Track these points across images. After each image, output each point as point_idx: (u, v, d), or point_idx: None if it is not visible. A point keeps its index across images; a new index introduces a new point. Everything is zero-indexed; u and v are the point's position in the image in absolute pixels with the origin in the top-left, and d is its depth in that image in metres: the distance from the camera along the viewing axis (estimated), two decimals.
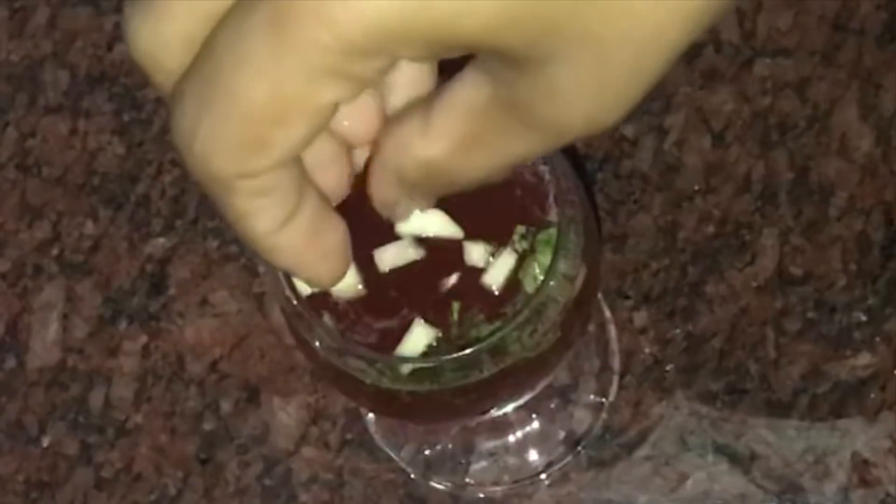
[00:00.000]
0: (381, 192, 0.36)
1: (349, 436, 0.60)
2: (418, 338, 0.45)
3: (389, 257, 0.45)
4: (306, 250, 0.34)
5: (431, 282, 0.45)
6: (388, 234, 0.45)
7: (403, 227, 0.45)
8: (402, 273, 0.45)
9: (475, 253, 0.45)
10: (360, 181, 0.37)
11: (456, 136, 0.33)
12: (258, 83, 0.30)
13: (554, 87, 0.31)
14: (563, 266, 0.44)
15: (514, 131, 0.33)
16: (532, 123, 0.32)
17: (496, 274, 0.45)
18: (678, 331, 0.59)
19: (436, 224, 0.45)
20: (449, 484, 0.59)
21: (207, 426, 0.60)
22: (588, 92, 0.31)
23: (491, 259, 0.45)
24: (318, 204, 0.34)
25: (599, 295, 0.60)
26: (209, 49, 0.31)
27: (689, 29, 0.30)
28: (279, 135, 0.31)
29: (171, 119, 0.32)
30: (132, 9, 0.32)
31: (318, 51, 0.29)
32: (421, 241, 0.45)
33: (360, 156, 0.37)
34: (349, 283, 0.45)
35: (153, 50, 0.31)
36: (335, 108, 0.31)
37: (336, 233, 0.36)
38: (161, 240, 0.63)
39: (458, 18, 0.29)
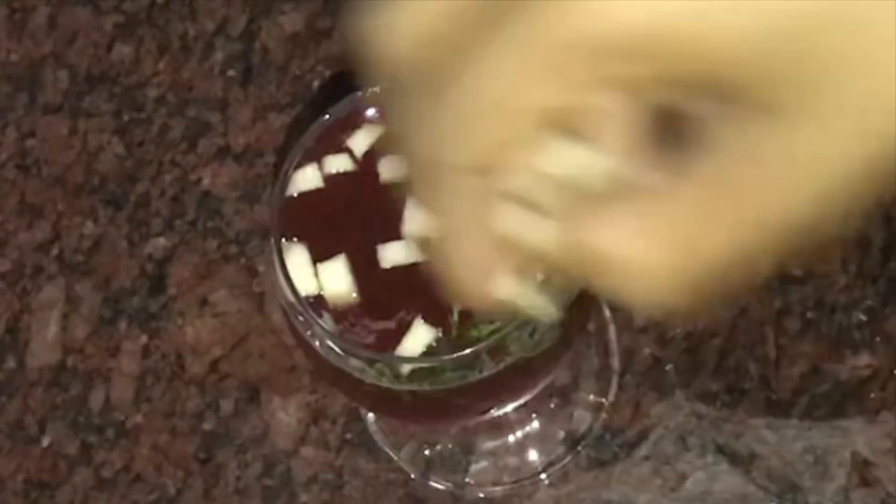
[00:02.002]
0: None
1: (349, 436, 0.60)
2: (418, 338, 0.45)
3: (393, 255, 0.45)
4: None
5: (432, 282, 0.45)
6: (393, 233, 0.45)
7: (409, 227, 0.45)
8: (404, 273, 0.45)
9: None
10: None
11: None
12: (499, 75, 0.30)
13: (797, 130, 0.31)
14: None
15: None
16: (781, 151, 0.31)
17: None
18: (678, 331, 0.59)
19: None
20: (449, 484, 0.59)
21: (207, 426, 0.60)
22: (833, 148, 0.31)
23: None
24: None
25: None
26: (455, 50, 0.31)
27: None
28: (516, 124, 0.31)
29: (404, 117, 0.32)
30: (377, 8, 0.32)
31: (557, 50, 0.29)
32: (423, 241, 0.45)
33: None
34: (343, 291, 0.45)
35: (395, 47, 0.32)
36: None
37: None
38: (161, 240, 0.63)
39: (713, 31, 0.29)
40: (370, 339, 0.45)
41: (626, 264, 0.31)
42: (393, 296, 0.45)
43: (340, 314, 0.45)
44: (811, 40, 0.29)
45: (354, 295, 0.45)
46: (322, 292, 0.45)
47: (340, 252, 0.46)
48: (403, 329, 0.45)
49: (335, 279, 0.45)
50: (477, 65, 0.30)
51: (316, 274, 0.45)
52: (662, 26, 0.29)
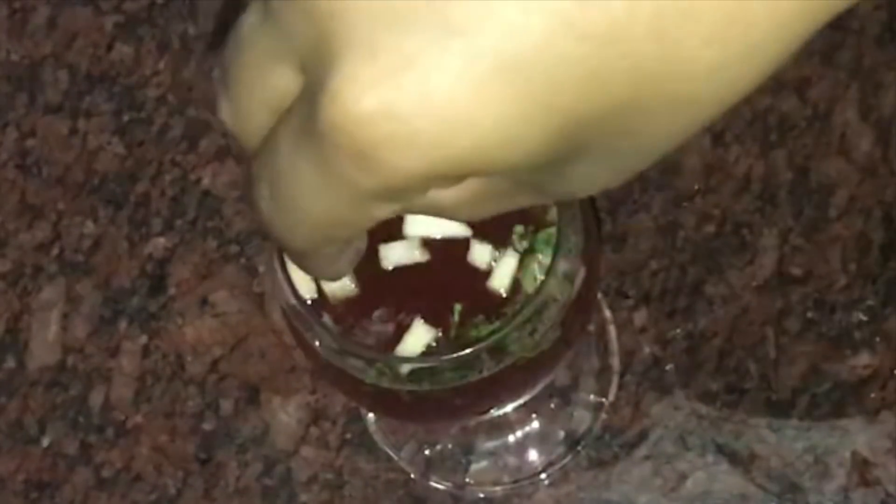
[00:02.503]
0: None
1: (349, 436, 0.60)
2: (418, 338, 0.45)
3: (395, 255, 0.45)
4: (344, 271, 0.37)
5: (433, 283, 0.45)
6: (394, 233, 0.45)
7: (411, 228, 0.45)
8: (404, 273, 0.45)
9: (481, 253, 0.45)
10: None
11: (467, 191, 0.33)
12: (313, 203, 0.31)
13: (569, 176, 0.32)
14: (562, 266, 0.44)
15: (523, 195, 0.34)
16: (543, 193, 0.34)
17: (501, 276, 0.45)
18: (678, 331, 0.59)
19: (444, 224, 0.45)
20: (449, 484, 0.59)
21: (207, 426, 0.60)
22: (604, 176, 0.32)
23: (494, 263, 0.45)
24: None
25: (599, 295, 0.60)
26: (274, 149, 0.32)
27: (701, 122, 0.31)
28: (339, 233, 0.33)
29: (250, 193, 0.34)
30: (218, 95, 0.33)
31: (360, 191, 0.30)
32: (425, 242, 0.45)
33: None
34: (343, 291, 0.45)
35: (242, 134, 0.33)
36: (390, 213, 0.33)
37: (361, 248, 0.38)
38: (161, 240, 0.63)
39: (500, 155, 0.30)
40: (370, 340, 0.45)
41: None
42: (393, 296, 0.45)
43: (340, 315, 0.45)
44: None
45: (354, 295, 0.45)
46: (322, 293, 0.45)
47: None
48: (403, 330, 0.45)
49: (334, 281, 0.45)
50: (288, 174, 0.32)
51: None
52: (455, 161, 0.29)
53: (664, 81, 0.29)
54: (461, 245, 0.45)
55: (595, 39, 0.28)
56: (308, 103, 0.30)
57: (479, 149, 0.29)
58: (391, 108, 0.28)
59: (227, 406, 0.60)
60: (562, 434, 0.60)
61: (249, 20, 0.32)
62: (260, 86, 0.32)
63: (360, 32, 0.28)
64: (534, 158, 0.30)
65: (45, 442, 0.61)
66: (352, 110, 0.29)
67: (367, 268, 0.45)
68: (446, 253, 0.45)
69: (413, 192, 0.31)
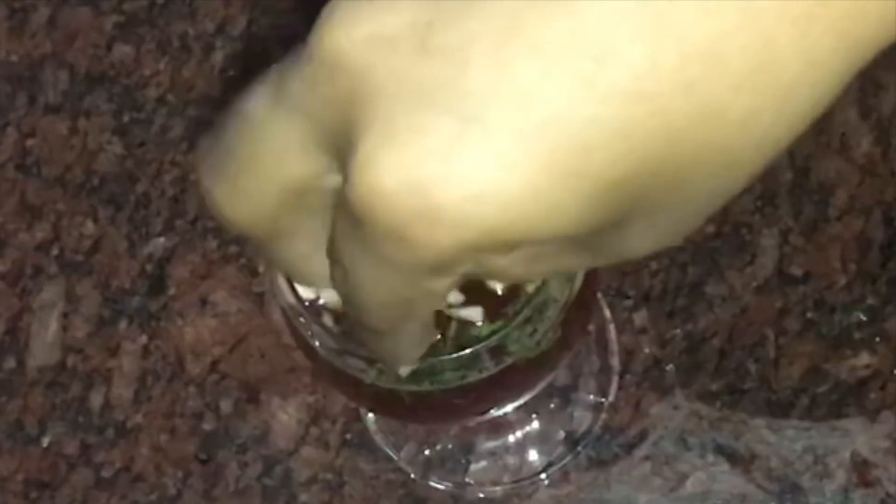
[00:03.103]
0: None
1: (349, 436, 0.60)
2: None
3: None
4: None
5: None
6: None
7: None
8: None
9: None
10: None
11: (518, 258, 0.33)
12: (374, 286, 0.32)
13: (620, 238, 0.32)
14: None
15: (578, 257, 0.33)
16: (600, 254, 0.33)
17: None
18: (678, 331, 0.59)
19: None
20: (449, 484, 0.59)
21: (207, 426, 0.60)
22: (656, 236, 0.32)
23: None
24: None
25: (599, 295, 0.60)
26: (333, 237, 0.32)
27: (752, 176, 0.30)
28: (409, 312, 0.34)
29: (334, 280, 0.34)
30: (209, 175, 0.33)
31: (406, 269, 0.30)
32: None
33: None
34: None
35: (241, 224, 0.33)
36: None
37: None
38: (161, 240, 0.63)
39: (534, 226, 0.29)
40: None
41: None
42: None
43: (339, 316, 0.45)
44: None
45: None
46: (320, 296, 0.45)
47: None
48: None
49: None
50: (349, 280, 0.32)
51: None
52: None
53: (697, 134, 0.28)
54: None
55: (619, 98, 0.27)
56: (343, 190, 0.30)
57: (510, 221, 0.29)
58: (414, 184, 0.28)
59: (227, 406, 0.60)
60: (562, 434, 0.60)
61: (258, 106, 0.31)
62: (275, 173, 0.31)
63: (381, 110, 0.28)
64: (575, 225, 0.29)
65: (45, 442, 0.61)
66: (375, 188, 0.28)
67: None
68: None
69: (461, 265, 0.30)
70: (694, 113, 0.28)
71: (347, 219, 0.30)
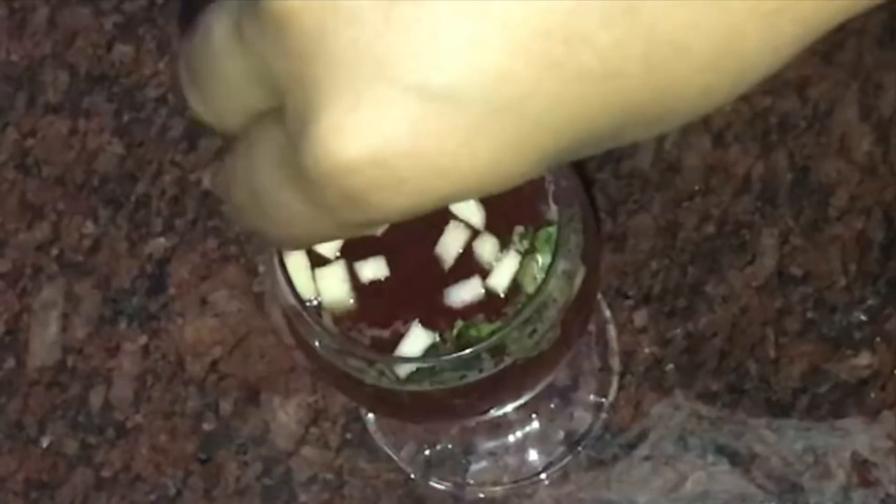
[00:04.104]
0: None
1: (349, 436, 0.60)
2: (417, 341, 0.45)
3: (368, 272, 0.46)
4: None
5: (431, 286, 0.45)
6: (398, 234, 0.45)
7: None
8: (402, 278, 0.45)
9: (487, 248, 0.45)
10: None
11: None
12: (296, 222, 0.32)
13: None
14: (562, 266, 0.44)
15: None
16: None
17: (501, 276, 0.45)
18: (678, 331, 0.59)
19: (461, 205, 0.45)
20: (449, 484, 0.59)
21: (207, 426, 0.60)
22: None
23: (494, 263, 0.45)
24: None
25: (599, 295, 0.60)
26: (252, 164, 0.32)
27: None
28: (321, 242, 0.35)
29: (224, 184, 0.34)
30: (184, 82, 0.33)
31: (347, 223, 0.30)
32: (423, 245, 0.45)
33: None
34: (341, 297, 0.45)
35: (214, 124, 0.33)
36: None
37: None
38: (161, 240, 0.63)
39: (487, 188, 0.30)
40: (368, 343, 0.45)
41: None
42: (391, 303, 0.45)
43: (339, 318, 0.45)
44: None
45: (352, 301, 0.45)
46: (319, 298, 0.45)
47: (339, 258, 0.46)
48: (400, 336, 0.45)
49: (333, 285, 0.45)
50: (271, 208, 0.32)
51: (314, 279, 0.45)
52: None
53: (655, 107, 0.29)
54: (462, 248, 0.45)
55: (585, 80, 0.28)
56: (288, 135, 0.30)
57: (466, 187, 0.29)
58: (377, 157, 0.28)
59: (227, 406, 0.60)
60: (562, 434, 0.60)
61: (220, 29, 0.31)
62: (233, 98, 0.32)
63: (342, 80, 0.28)
64: (522, 181, 0.30)
65: (45, 442, 0.61)
66: (338, 159, 0.28)
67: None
68: (444, 255, 0.45)
69: (401, 219, 0.31)
70: (655, 90, 0.29)
71: (286, 166, 0.30)
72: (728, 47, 0.28)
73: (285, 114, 0.30)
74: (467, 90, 0.28)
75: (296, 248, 0.33)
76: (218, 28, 0.31)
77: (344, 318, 0.45)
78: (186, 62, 0.33)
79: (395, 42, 0.28)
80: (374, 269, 0.45)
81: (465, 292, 0.45)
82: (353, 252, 0.46)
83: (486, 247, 0.45)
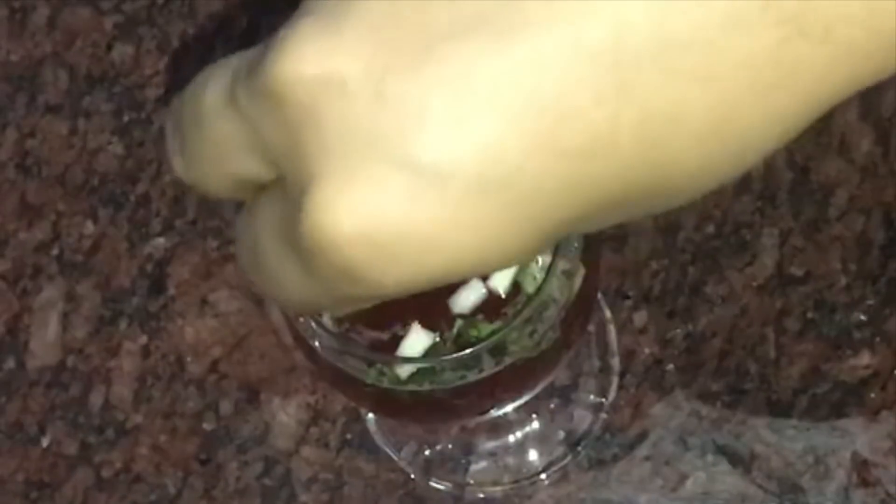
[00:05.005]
0: None
1: (349, 436, 0.60)
2: (416, 342, 0.45)
3: None
4: None
5: (434, 290, 0.45)
6: None
7: None
8: None
9: None
10: None
11: None
12: (295, 290, 0.31)
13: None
14: (562, 266, 0.44)
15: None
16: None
17: (501, 276, 0.45)
18: (678, 331, 0.59)
19: None
20: (449, 484, 0.59)
21: (207, 426, 0.60)
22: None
23: None
24: None
25: (599, 295, 0.60)
26: (255, 231, 0.32)
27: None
28: (321, 311, 0.34)
29: (237, 258, 0.34)
30: (171, 149, 0.33)
31: (343, 296, 0.30)
32: None
33: None
34: None
35: (200, 190, 0.34)
36: None
37: None
38: (161, 240, 0.63)
39: (482, 265, 0.30)
40: (367, 345, 0.45)
41: None
42: (391, 306, 0.45)
43: (338, 319, 0.45)
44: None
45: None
46: None
47: None
48: (399, 338, 0.45)
49: None
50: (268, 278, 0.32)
51: None
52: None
53: (652, 183, 0.29)
54: None
55: (576, 156, 0.28)
56: (287, 206, 0.30)
57: (461, 265, 0.29)
58: (369, 233, 0.28)
59: (227, 406, 0.60)
60: (562, 434, 0.60)
61: (214, 95, 0.31)
62: (222, 164, 0.32)
63: (334, 154, 0.28)
64: (522, 258, 0.30)
65: (45, 442, 0.61)
66: (331, 234, 0.28)
67: None
68: None
69: (398, 295, 0.31)
70: (650, 165, 0.28)
71: (285, 237, 0.30)
72: (724, 123, 0.28)
73: (284, 184, 0.30)
74: (454, 167, 0.28)
75: (300, 314, 0.33)
76: (212, 90, 0.31)
77: (343, 320, 0.45)
78: (175, 124, 0.33)
79: (384, 118, 0.28)
80: None
81: (469, 297, 0.45)
82: None
83: None
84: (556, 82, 0.27)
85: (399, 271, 0.29)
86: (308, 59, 0.28)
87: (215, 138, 0.31)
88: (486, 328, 0.45)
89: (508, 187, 0.28)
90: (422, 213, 0.28)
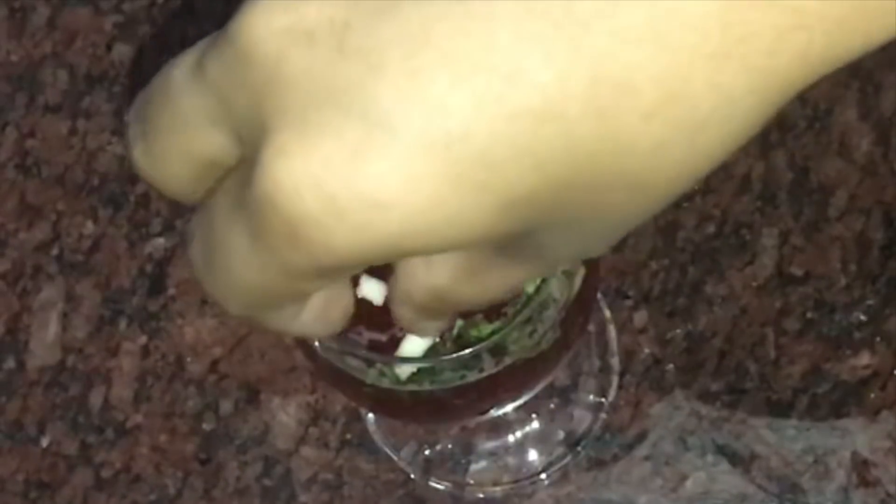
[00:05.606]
0: (400, 313, 0.37)
1: (349, 436, 0.60)
2: (416, 342, 0.45)
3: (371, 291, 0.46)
4: (315, 325, 0.36)
5: None
6: None
7: None
8: None
9: None
10: None
11: (456, 267, 0.34)
12: (244, 273, 0.31)
13: (540, 245, 0.32)
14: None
15: (510, 266, 0.34)
16: (526, 263, 0.33)
17: None
18: (678, 331, 0.59)
19: None
20: (449, 484, 0.59)
21: (207, 426, 0.60)
22: (578, 247, 0.32)
23: None
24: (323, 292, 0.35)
25: (599, 295, 0.60)
26: (210, 215, 0.32)
27: (682, 187, 0.30)
28: (271, 303, 0.33)
29: (188, 249, 0.34)
30: (133, 137, 0.33)
31: (290, 267, 0.30)
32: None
33: None
34: None
35: (158, 181, 0.33)
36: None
37: (343, 304, 0.36)
38: (161, 240, 0.63)
39: (436, 236, 0.29)
40: (370, 341, 0.45)
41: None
42: (390, 309, 0.45)
43: None
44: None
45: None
46: None
47: None
48: (398, 340, 0.45)
49: None
50: (222, 245, 0.32)
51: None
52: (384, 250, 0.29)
53: (606, 159, 0.28)
54: None
55: (526, 118, 0.27)
56: (244, 175, 0.30)
57: (411, 230, 0.28)
58: (319, 184, 0.28)
59: (227, 406, 0.60)
60: (562, 434, 0.60)
61: (181, 71, 0.31)
62: (186, 144, 0.31)
63: (293, 106, 0.28)
64: (479, 236, 0.29)
65: (45, 442, 0.61)
66: (281, 182, 0.28)
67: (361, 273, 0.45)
68: None
69: (346, 272, 0.31)
70: (602, 138, 0.28)
71: (238, 206, 0.30)
72: (674, 91, 0.28)
73: (244, 159, 0.30)
74: (404, 121, 0.28)
75: (249, 310, 0.33)
76: (179, 68, 0.31)
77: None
78: (139, 113, 0.33)
79: (344, 70, 0.28)
80: (375, 291, 0.45)
81: None
82: None
83: None
84: (508, 40, 0.27)
85: (347, 232, 0.28)
86: (276, 11, 0.29)
87: (181, 114, 0.31)
88: (486, 328, 0.45)
89: (457, 147, 0.28)
90: (372, 167, 0.28)
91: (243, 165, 0.30)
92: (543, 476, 0.59)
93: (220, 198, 0.32)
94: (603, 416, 0.59)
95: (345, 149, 0.28)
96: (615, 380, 0.59)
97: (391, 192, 0.28)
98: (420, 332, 0.41)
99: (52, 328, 0.62)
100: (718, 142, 0.30)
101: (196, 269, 0.34)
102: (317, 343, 0.45)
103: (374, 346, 0.45)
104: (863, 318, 0.59)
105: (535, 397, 0.49)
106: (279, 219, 0.29)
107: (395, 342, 0.45)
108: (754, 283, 0.60)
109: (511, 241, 0.31)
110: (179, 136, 0.31)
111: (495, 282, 0.34)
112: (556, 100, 0.27)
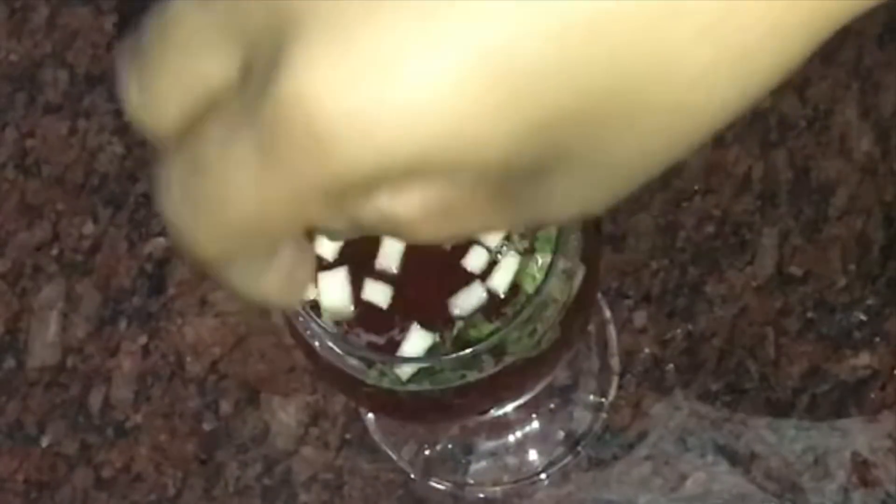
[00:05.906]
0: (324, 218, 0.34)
1: (349, 436, 0.60)
2: (416, 342, 0.45)
3: (393, 266, 0.45)
4: (277, 287, 0.33)
5: (429, 289, 0.45)
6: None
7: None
8: (403, 276, 0.45)
9: (477, 258, 0.45)
10: None
11: (429, 201, 0.31)
12: (243, 198, 0.29)
13: (545, 191, 0.30)
14: (562, 265, 0.44)
15: (495, 211, 0.31)
16: (515, 210, 0.32)
17: (501, 276, 0.45)
18: (678, 331, 0.59)
19: None
20: (449, 484, 0.59)
21: (207, 426, 0.60)
22: (583, 195, 0.31)
23: (494, 262, 0.45)
24: (294, 247, 0.33)
25: (599, 295, 0.60)
26: (200, 141, 0.30)
27: (692, 143, 0.30)
28: (263, 236, 0.31)
29: (156, 191, 0.32)
30: (126, 75, 0.31)
31: (304, 184, 0.28)
32: (418, 249, 0.45)
33: None
34: (341, 302, 0.45)
35: (149, 121, 0.32)
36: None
37: (307, 270, 0.34)
38: (161, 240, 0.63)
39: (464, 151, 0.28)
40: (370, 341, 0.45)
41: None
42: (390, 308, 0.45)
43: (337, 322, 0.45)
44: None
45: (351, 308, 0.45)
46: (319, 301, 0.45)
47: (340, 263, 0.46)
48: (398, 342, 0.45)
49: (334, 290, 0.45)
50: (211, 181, 0.30)
51: (315, 283, 0.45)
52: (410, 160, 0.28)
53: (649, 83, 0.28)
54: (457, 250, 0.45)
55: (574, 31, 0.27)
56: (252, 88, 0.28)
57: (437, 145, 0.27)
58: (353, 90, 0.27)
59: (227, 406, 0.60)
60: (562, 434, 0.60)
61: None
62: (187, 70, 0.30)
63: (327, 13, 0.27)
64: (503, 158, 0.28)
65: (45, 442, 0.61)
66: (311, 88, 0.27)
67: (363, 276, 0.45)
68: (442, 258, 0.45)
69: (361, 193, 0.29)
70: (649, 59, 0.28)
71: (242, 123, 0.28)
72: (724, 15, 0.27)
73: (255, 62, 0.28)
74: (452, 31, 0.27)
75: (231, 250, 0.30)
76: None
77: (343, 321, 0.45)
78: (134, 47, 0.31)
79: None
80: (379, 294, 0.45)
81: (469, 299, 0.45)
82: (361, 267, 0.46)
83: (476, 259, 0.45)
84: None
85: (374, 140, 0.27)
86: None
87: (184, 37, 0.29)
88: (486, 328, 0.45)
89: (505, 60, 0.27)
90: (410, 77, 0.27)
91: (247, 83, 0.29)
92: (543, 476, 0.59)
93: (211, 128, 0.30)
94: (603, 416, 0.59)
95: (388, 52, 0.27)
96: (615, 380, 0.59)
97: (429, 101, 0.27)
98: (330, 236, 0.39)
99: (52, 328, 0.62)
100: (762, 75, 0.29)
101: (171, 211, 0.31)
102: (317, 343, 0.45)
103: (374, 346, 0.45)
104: (863, 318, 0.59)
105: (535, 397, 0.49)
106: (302, 126, 0.27)
107: (394, 345, 0.45)
108: (754, 283, 0.60)
109: (521, 177, 0.29)
110: (181, 62, 0.30)
111: (469, 225, 0.32)
112: (606, 18, 0.27)
